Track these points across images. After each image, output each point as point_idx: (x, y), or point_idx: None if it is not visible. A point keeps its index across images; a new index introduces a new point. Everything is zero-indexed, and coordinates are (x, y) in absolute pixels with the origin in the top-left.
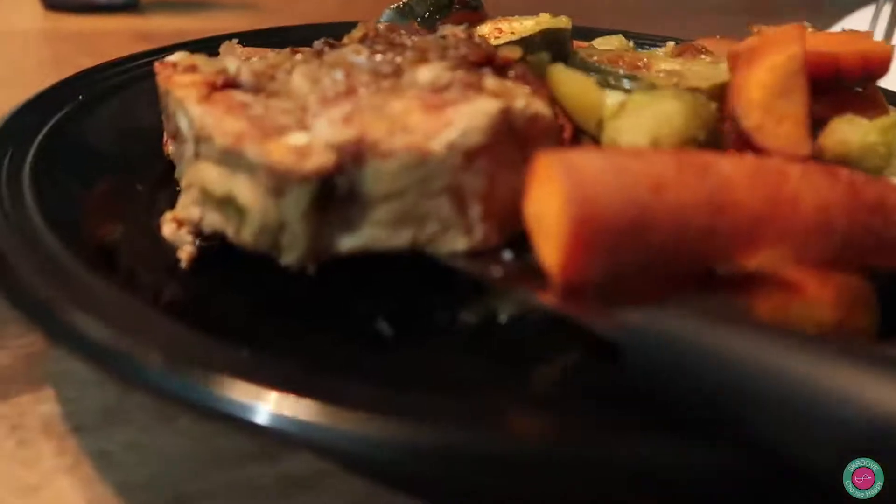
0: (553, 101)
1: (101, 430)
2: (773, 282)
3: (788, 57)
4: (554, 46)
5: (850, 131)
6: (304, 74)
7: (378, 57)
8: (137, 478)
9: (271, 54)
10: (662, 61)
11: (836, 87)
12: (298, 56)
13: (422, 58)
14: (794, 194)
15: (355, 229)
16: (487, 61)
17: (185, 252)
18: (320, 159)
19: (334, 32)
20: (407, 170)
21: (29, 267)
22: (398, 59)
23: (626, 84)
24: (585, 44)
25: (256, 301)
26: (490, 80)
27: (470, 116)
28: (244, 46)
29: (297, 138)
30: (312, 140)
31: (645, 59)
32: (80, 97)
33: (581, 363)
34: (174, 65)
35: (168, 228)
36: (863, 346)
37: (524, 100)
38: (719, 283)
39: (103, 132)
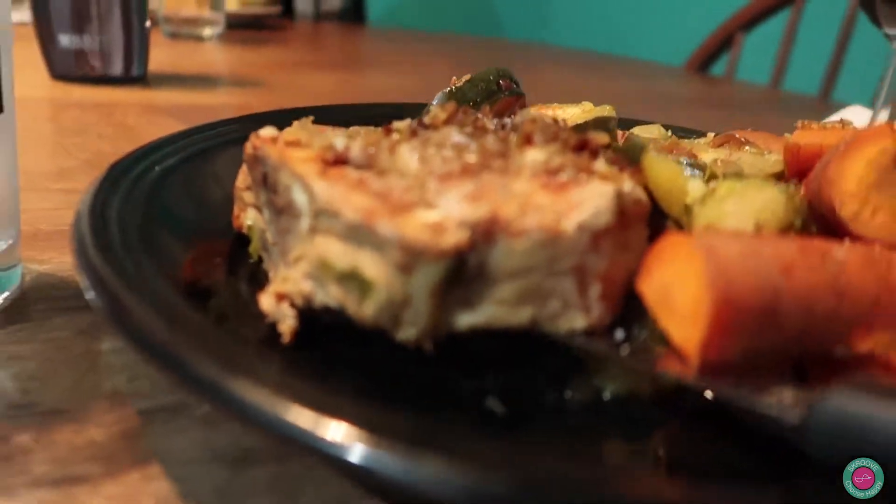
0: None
1: None
2: (885, 365)
3: (881, 151)
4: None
5: None
6: (413, 152)
7: (481, 137)
8: None
9: (363, 132)
10: (710, 151)
11: None
12: (394, 135)
13: (528, 140)
14: None
15: (476, 306)
16: (584, 145)
17: (287, 326)
18: (455, 237)
19: (389, 113)
20: (538, 249)
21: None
22: (503, 140)
23: (709, 171)
24: (622, 133)
25: (362, 377)
26: (599, 164)
27: (596, 198)
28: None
29: (429, 215)
30: (445, 217)
31: (691, 149)
32: (156, 167)
33: (692, 437)
34: (273, 139)
35: (267, 302)
36: None
37: (630, 184)
38: (834, 365)
39: (177, 202)
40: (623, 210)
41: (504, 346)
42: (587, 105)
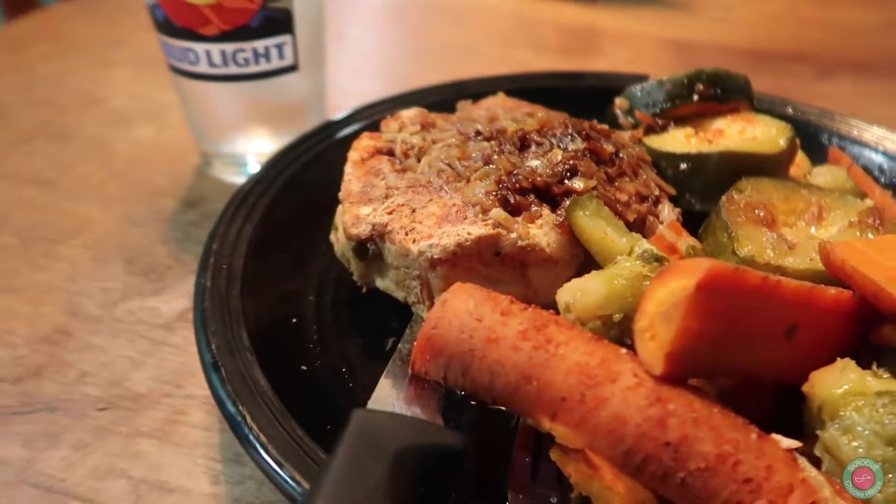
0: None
1: None
2: (580, 455)
3: (679, 288)
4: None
5: None
6: (423, 158)
7: (470, 159)
8: None
9: (441, 129)
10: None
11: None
12: (448, 139)
13: (475, 175)
14: (606, 398)
15: (383, 276)
16: (539, 188)
17: None
18: (359, 230)
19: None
20: (400, 256)
21: None
22: (466, 170)
23: (625, 242)
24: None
25: None
26: (497, 212)
27: (446, 237)
28: (473, 103)
29: (364, 210)
30: (367, 215)
31: (815, 211)
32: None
33: None
34: (396, 121)
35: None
36: None
37: (517, 233)
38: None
39: None
40: (502, 251)
41: None
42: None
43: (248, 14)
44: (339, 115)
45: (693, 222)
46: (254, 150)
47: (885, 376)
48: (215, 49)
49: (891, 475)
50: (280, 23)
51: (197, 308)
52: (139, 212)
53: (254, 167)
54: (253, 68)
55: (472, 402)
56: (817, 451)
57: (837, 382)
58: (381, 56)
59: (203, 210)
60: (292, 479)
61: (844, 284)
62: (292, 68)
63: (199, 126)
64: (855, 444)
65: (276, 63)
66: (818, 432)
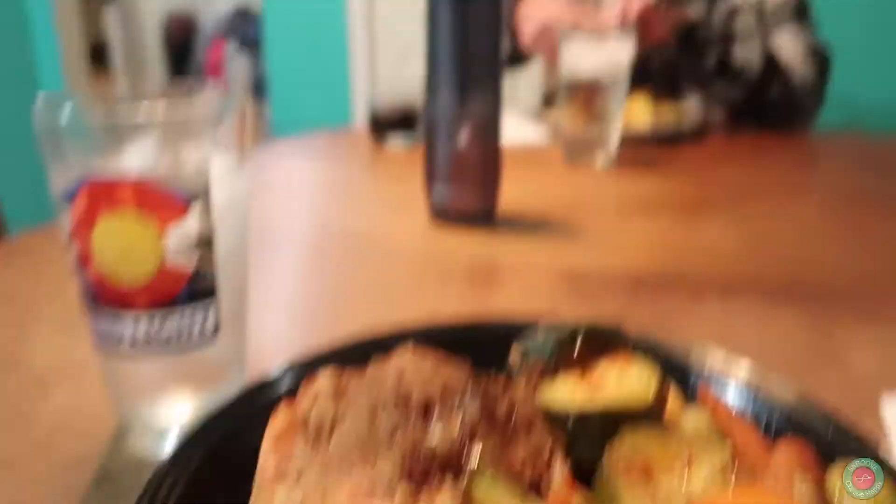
0: None
1: None
2: None
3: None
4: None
5: None
6: (335, 440)
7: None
8: None
9: (353, 394)
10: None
11: None
12: (358, 411)
13: (381, 454)
14: None
15: None
16: (441, 459)
17: None
18: None
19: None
20: None
21: None
22: (374, 446)
23: None
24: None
25: None
26: (401, 492)
27: None
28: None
29: (279, 494)
30: (283, 501)
31: (686, 459)
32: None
33: None
34: (312, 388)
35: None
36: None
37: None
38: None
39: None
40: None
41: None
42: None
43: (176, 288)
44: (256, 381)
45: (586, 472)
46: (173, 416)
47: None
48: (141, 326)
49: None
50: (205, 290)
51: None
52: (50, 489)
53: (171, 435)
54: (176, 339)
55: None
56: None
57: None
58: (299, 301)
59: (114, 491)
60: None
61: None
62: (214, 331)
63: (117, 393)
64: None
65: (198, 330)
66: None
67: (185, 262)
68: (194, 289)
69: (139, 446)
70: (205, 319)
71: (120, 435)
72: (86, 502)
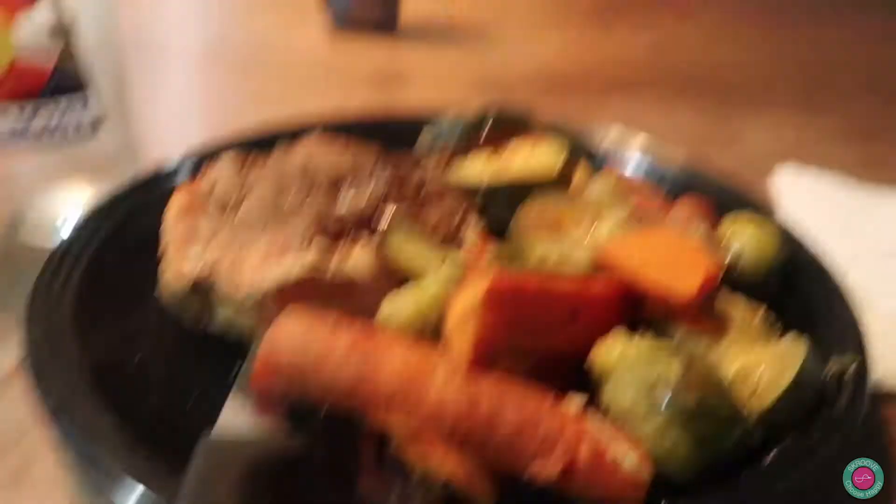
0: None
1: None
2: (417, 440)
3: (472, 295)
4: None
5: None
6: (244, 208)
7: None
8: None
9: (257, 178)
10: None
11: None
12: (264, 188)
13: (293, 218)
14: (427, 390)
15: (217, 314)
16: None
17: None
18: (188, 271)
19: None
20: (228, 294)
21: None
22: (286, 204)
23: (435, 257)
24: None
25: None
26: (317, 242)
27: (272, 272)
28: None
29: (191, 252)
30: (196, 257)
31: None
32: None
33: None
34: (212, 171)
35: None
36: None
37: (336, 264)
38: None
39: None
40: (323, 280)
41: None
42: (551, 155)
43: (38, 82)
44: (155, 166)
45: (500, 232)
46: (64, 212)
47: (647, 338)
48: (8, 117)
49: (652, 412)
50: (73, 84)
51: (30, 360)
52: None
53: (66, 231)
54: (50, 133)
55: (319, 410)
56: (602, 408)
57: (610, 350)
58: (197, 104)
59: (14, 275)
60: None
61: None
62: (94, 124)
63: (5, 189)
64: (625, 396)
65: (74, 123)
66: (600, 391)
67: (42, 54)
68: (61, 82)
69: (34, 237)
70: (80, 113)
71: (12, 227)
72: None
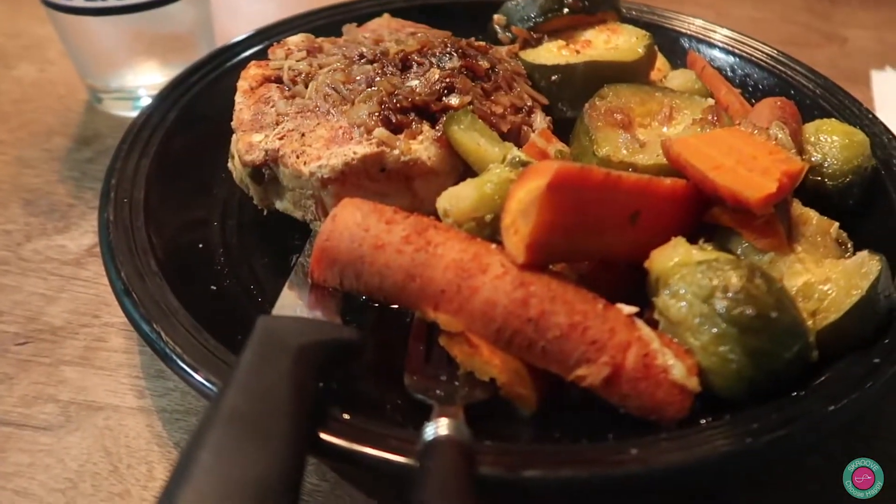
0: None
1: None
2: (462, 337)
3: (534, 188)
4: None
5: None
6: (312, 87)
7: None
8: None
9: (327, 53)
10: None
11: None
12: (334, 63)
13: (359, 97)
14: (478, 287)
15: (281, 198)
16: (419, 106)
17: None
18: (253, 156)
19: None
20: (293, 178)
21: None
22: (350, 94)
23: (498, 151)
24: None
25: None
26: (380, 131)
27: (334, 157)
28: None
29: (256, 137)
30: (258, 142)
31: (667, 112)
32: None
33: None
34: (283, 48)
35: None
36: None
37: (400, 150)
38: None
39: None
40: (386, 167)
41: None
42: (636, 36)
43: None
44: (227, 43)
45: (567, 129)
46: (144, 83)
47: (708, 249)
48: None
49: (706, 322)
50: None
51: (103, 241)
52: (31, 153)
53: (146, 101)
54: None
55: (374, 304)
56: (655, 315)
57: (669, 257)
58: None
59: (98, 147)
60: (208, 381)
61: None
62: None
63: (83, 62)
64: (680, 304)
65: None
66: (654, 299)
67: None
68: None
69: (114, 110)
70: None
71: (93, 101)
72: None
